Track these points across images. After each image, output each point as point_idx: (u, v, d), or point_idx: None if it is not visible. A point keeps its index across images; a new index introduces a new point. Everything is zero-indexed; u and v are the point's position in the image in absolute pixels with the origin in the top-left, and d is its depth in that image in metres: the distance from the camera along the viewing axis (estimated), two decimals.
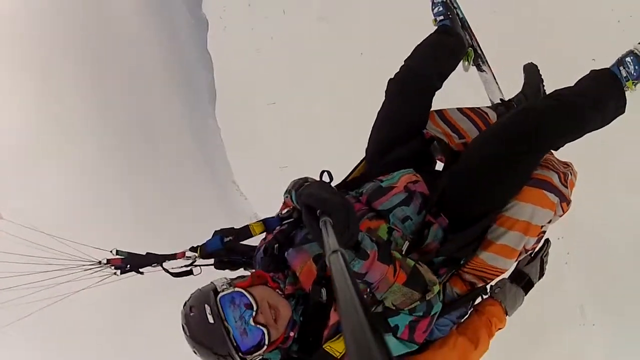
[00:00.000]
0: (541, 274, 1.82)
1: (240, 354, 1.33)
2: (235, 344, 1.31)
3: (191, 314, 1.38)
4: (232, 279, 1.48)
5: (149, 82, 7.13)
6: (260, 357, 1.40)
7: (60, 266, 2.05)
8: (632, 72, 1.65)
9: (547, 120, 1.56)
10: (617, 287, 3.26)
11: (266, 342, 1.34)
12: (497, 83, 2.42)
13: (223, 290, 1.38)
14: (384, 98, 1.97)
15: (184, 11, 7.44)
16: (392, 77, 1.97)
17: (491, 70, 2.39)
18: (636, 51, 1.67)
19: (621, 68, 1.67)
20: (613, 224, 3.24)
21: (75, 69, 6.71)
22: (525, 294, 1.78)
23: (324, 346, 1.37)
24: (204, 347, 1.36)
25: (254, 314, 1.34)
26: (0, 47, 6.31)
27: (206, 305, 1.34)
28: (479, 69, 2.39)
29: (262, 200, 6.05)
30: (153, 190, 6.90)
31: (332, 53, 5.51)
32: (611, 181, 3.20)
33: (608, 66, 1.73)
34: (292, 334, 1.43)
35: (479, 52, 2.32)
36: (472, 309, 1.76)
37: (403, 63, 2.01)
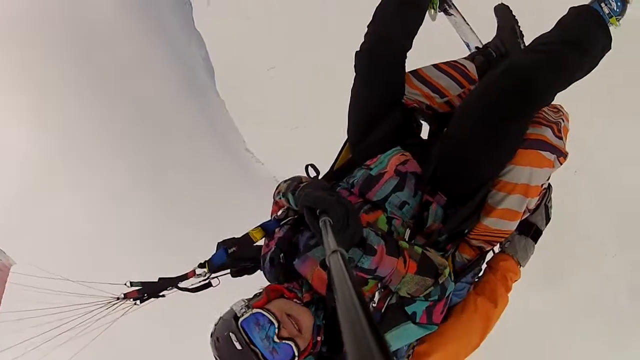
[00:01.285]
0: (547, 220, 1.82)
1: None
2: None
3: (219, 345, 1.39)
4: (249, 300, 1.48)
5: (143, 73, 7.01)
6: None
7: (81, 308, 2.08)
8: (615, 8, 1.54)
9: (536, 78, 1.45)
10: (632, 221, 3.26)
11: (297, 354, 1.36)
12: (468, 24, 2.31)
13: (243, 315, 1.39)
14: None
15: None
16: (358, 49, 1.86)
17: (459, 12, 2.27)
18: None
19: (602, 5, 1.55)
20: (623, 157, 3.20)
21: (65, 75, 6.49)
22: (535, 243, 1.80)
23: (344, 350, 1.38)
24: None
25: (276, 330, 1.35)
26: None
27: (231, 334, 1.35)
28: (447, 13, 2.26)
29: (278, 162, 6.12)
30: (170, 180, 6.91)
31: (325, 7, 5.23)
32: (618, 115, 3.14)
33: (587, 3, 1.61)
34: (319, 338, 1.44)
35: None
36: (486, 265, 1.78)
37: (366, 30, 1.89)
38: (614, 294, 3.57)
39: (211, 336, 1.45)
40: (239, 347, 1.33)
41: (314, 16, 5.56)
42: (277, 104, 6.46)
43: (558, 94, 1.54)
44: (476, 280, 1.77)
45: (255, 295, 1.53)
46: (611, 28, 1.56)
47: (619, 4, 1.54)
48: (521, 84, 1.44)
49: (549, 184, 1.79)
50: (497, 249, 1.84)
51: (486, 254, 1.76)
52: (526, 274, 1.85)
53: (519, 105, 1.45)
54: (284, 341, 1.35)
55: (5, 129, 6.11)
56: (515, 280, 1.77)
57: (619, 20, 1.56)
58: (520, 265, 1.78)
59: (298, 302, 1.47)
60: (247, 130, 7.03)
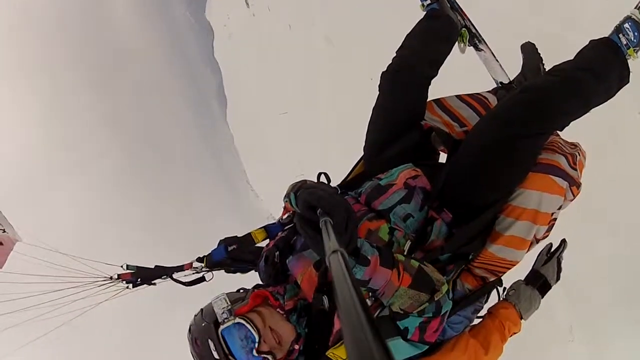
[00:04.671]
0: (558, 277, 1.72)
1: None
2: None
3: (196, 346, 1.36)
4: (232, 304, 1.41)
5: (156, 92, 7.39)
6: None
7: (76, 284, 2.11)
8: (632, 39, 1.55)
9: (550, 98, 1.46)
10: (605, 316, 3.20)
11: None
12: (497, 61, 2.33)
13: (224, 322, 1.35)
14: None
15: (188, 17, 7.62)
16: (385, 69, 1.90)
17: (489, 49, 2.30)
18: (634, 16, 1.57)
19: (620, 36, 1.57)
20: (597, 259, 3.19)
21: (82, 83, 6.94)
22: (542, 297, 1.69)
23: (327, 353, 1.34)
24: None
25: (257, 345, 1.32)
26: (6, 64, 6.61)
27: (209, 341, 1.33)
28: (477, 48, 2.30)
29: (276, 200, 6.36)
30: (167, 197, 7.16)
31: (340, 70, 5.47)
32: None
33: (607, 35, 1.62)
34: (296, 346, 1.40)
35: (474, 31, 2.23)
36: (486, 311, 1.68)
37: (395, 54, 1.95)
38: None
39: (189, 331, 1.41)
40: (216, 356, 1.31)
41: (327, 76, 5.77)
42: (284, 147, 6.62)
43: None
44: (475, 319, 1.68)
45: (238, 298, 1.46)
46: (630, 61, 1.56)
47: (636, 34, 1.55)
48: (535, 100, 1.45)
49: (565, 239, 1.74)
50: (502, 295, 1.76)
51: (490, 290, 1.68)
52: None
53: (531, 121, 1.44)
54: (262, 355, 1.32)
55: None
56: (514, 333, 1.64)
57: (636, 52, 1.56)
58: (522, 318, 1.66)
59: (281, 312, 1.43)
60: (251, 164, 7.25)
